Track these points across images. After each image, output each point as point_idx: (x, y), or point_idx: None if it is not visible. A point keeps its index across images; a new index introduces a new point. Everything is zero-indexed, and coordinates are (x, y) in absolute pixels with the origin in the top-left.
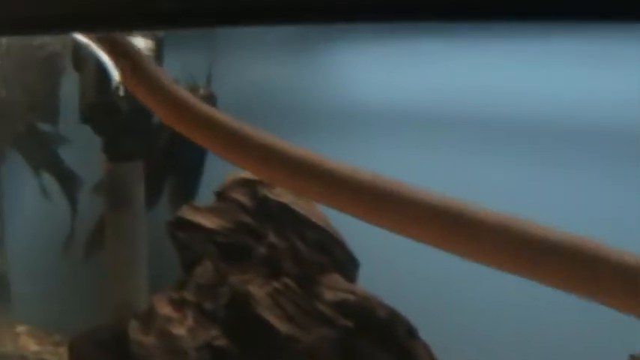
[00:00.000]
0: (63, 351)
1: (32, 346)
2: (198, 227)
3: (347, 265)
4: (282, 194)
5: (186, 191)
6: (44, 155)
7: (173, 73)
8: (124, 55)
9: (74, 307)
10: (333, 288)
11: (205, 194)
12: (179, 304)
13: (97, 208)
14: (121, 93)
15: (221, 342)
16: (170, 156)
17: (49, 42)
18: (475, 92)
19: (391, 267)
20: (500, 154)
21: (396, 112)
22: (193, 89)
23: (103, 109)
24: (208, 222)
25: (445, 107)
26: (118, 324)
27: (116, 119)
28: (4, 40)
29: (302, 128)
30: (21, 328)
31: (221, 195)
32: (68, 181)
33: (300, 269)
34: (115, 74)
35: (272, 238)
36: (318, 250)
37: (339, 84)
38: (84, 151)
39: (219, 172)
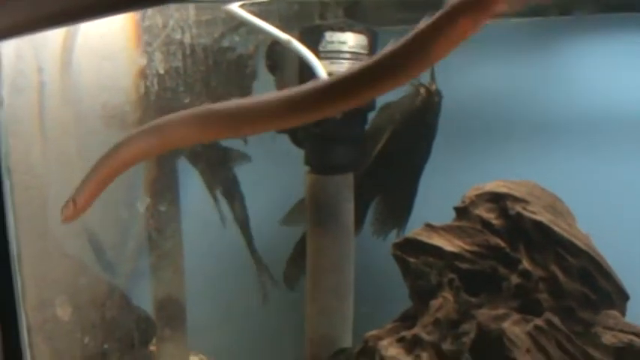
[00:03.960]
0: None
1: None
2: (435, 250)
3: (613, 298)
4: (539, 212)
5: (398, 212)
6: (221, 174)
7: None
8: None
9: (260, 339)
10: (610, 328)
11: (419, 216)
12: (411, 344)
13: (293, 230)
14: None
15: None
16: (381, 169)
17: (238, 42)
18: None
19: None
20: None
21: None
22: (417, 86)
23: None
24: (448, 244)
25: None
26: None
27: (323, 127)
28: (187, 40)
29: (527, 134)
30: (194, 359)
31: (463, 212)
32: (239, 206)
33: (560, 303)
34: (322, 73)
35: (526, 264)
36: (579, 280)
37: (573, 85)
38: (275, 167)
39: (435, 190)
